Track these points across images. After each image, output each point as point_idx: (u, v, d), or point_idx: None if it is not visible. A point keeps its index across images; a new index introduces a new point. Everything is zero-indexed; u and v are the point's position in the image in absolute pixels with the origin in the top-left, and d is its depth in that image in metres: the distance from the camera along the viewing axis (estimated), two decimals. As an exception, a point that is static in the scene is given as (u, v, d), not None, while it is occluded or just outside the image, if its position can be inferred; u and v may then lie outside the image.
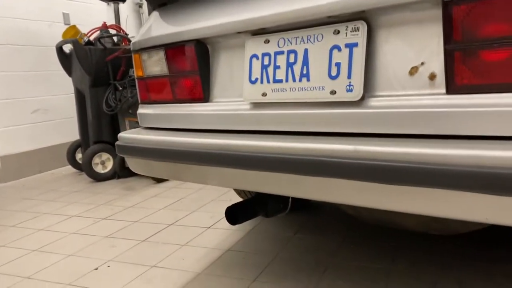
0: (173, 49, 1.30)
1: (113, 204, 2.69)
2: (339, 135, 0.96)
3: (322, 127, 0.99)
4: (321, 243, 1.83)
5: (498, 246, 1.65)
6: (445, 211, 0.76)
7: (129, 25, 4.20)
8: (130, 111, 3.21)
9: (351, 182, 0.84)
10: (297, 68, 1.02)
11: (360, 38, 0.91)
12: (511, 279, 1.43)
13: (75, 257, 1.90)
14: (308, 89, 1.00)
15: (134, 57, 1.45)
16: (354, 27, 0.92)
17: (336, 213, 2.13)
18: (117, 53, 3.19)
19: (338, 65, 0.94)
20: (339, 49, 0.94)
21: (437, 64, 0.84)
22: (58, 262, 1.86)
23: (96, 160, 3.30)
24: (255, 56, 1.11)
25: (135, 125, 3.10)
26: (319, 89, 0.98)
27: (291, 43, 1.03)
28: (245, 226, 2.08)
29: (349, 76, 0.93)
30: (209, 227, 2.12)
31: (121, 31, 3.58)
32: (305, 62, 1.00)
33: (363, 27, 0.91)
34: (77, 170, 3.74)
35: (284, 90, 1.05)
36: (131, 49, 1.45)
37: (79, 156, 3.68)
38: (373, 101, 0.91)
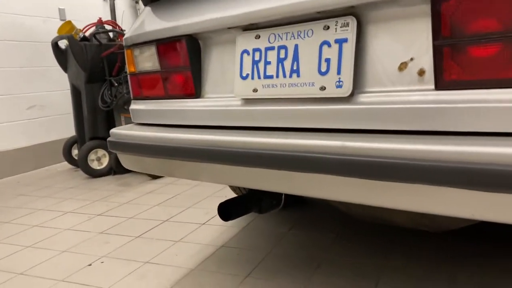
0: (164, 45, 1.29)
1: (109, 200, 2.69)
2: (330, 131, 0.96)
3: (313, 123, 0.99)
4: (315, 239, 1.83)
5: (491, 241, 1.65)
6: (432, 207, 0.76)
7: (125, 21, 4.19)
8: (126, 107, 3.21)
9: (339, 178, 0.84)
10: (287, 64, 1.02)
11: (350, 33, 0.91)
12: (503, 273, 1.43)
13: (69, 253, 1.90)
14: (299, 85, 1.00)
15: (126, 52, 1.44)
16: (344, 23, 0.92)
17: (330, 209, 2.14)
18: (112, 49, 3.18)
19: (328, 61, 0.94)
20: (329, 45, 0.94)
21: (426, 60, 0.83)
22: (51, 258, 1.86)
23: (92, 156, 3.30)
24: (246, 51, 1.10)
25: (130, 121, 3.09)
26: (309, 85, 0.98)
27: (281, 39, 1.03)
28: (240, 222, 2.08)
29: (338, 72, 0.92)
30: (203, 223, 2.12)
31: (117, 27, 3.57)
32: (296, 57, 1.00)
33: (352, 22, 0.90)
34: (73, 166, 3.73)
35: (274, 86, 1.04)
36: (123, 44, 1.44)
37: (75, 152, 3.67)
38: (362, 97, 0.91)
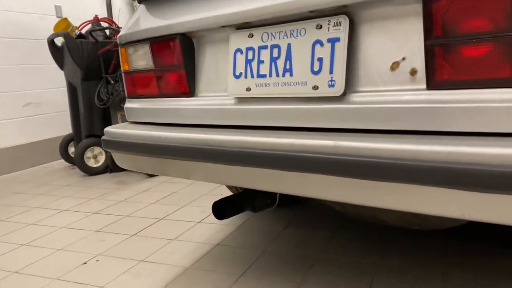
0: (158, 43, 1.29)
1: (105, 198, 2.69)
2: (323, 130, 0.96)
3: (306, 122, 0.98)
4: (310, 238, 1.83)
5: (485, 240, 1.66)
6: (423, 207, 0.76)
7: (121, 18, 4.17)
8: (122, 105, 3.19)
9: (330, 178, 0.84)
10: (280, 63, 1.01)
11: (342, 33, 0.90)
12: (496, 273, 1.43)
13: (64, 252, 1.89)
14: (291, 84, 0.99)
15: (121, 50, 1.44)
16: (336, 22, 0.91)
17: (326, 207, 2.14)
18: (108, 47, 3.17)
19: (320, 60, 0.94)
20: (322, 44, 0.93)
21: (418, 60, 0.83)
22: (47, 256, 1.86)
23: (88, 154, 3.29)
24: (239, 50, 1.10)
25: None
26: (302, 84, 0.97)
27: (274, 38, 1.03)
28: (236, 221, 2.08)
29: (331, 71, 0.92)
30: (199, 222, 2.12)
31: (113, 24, 3.56)
32: (288, 56, 1.00)
33: (345, 21, 0.90)
34: (69, 164, 3.73)
35: (268, 85, 1.04)
36: (118, 42, 1.44)
37: (71, 150, 3.66)
38: (354, 97, 0.91)
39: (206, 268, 1.63)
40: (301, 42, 0.97)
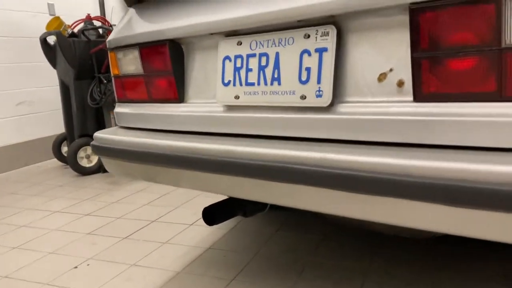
0: (147, 49, 1.28)
1: (97, 199, 2.68)
2: (311, 140, 0.95)
3: (293, 132, 0.98)
4: (302, 241, 1.83)
5: (474, 245, 1.66)
6: (409, 222, 0.76)
7: (114, 17, 4.14)
8: (115, 104, 3.17)
9: (317, 189, 0.83)
10: (268, 72, 1.01)
11: (330, 43, 0.90)
12: (485, 279, 1.44)
13: (55, 255, 1.88)
14: (279, 93, 0.99)
15: (110, 55, 1.42)
16: (324, 32, 0.91)
17: (317, 212, 2.14)
18: (101, 46, 3.15)
19: (308, 69, 0.93)
20: (309, 54, 0.93)
21: (405, 71, 0.83)
22: (38, 260, 1.85)
23: (81, 154, 3.27)
24: (228, 58, 1.09)
25: (120, 119, 3.06)
26: (289, 94, 0.97)
27: (263, 46, 1.02)
28: (228, 224, 2.08)
29: (318, 81, 0.92)
30: (191, 224, 2.12)
31: (106, 23, 3.53)
32: (277, 65, 0.99)
33: (332, 31, 0.89)
34: (63, 163, 3.71)
35: (256, 93, 1.03)
36: (107, 47, 1.42)
37: (64, 149, 3.64)
38: (342, 107, 0.90)
39: (197, 273, 1.63)
40: (289, 51, 0.96)
